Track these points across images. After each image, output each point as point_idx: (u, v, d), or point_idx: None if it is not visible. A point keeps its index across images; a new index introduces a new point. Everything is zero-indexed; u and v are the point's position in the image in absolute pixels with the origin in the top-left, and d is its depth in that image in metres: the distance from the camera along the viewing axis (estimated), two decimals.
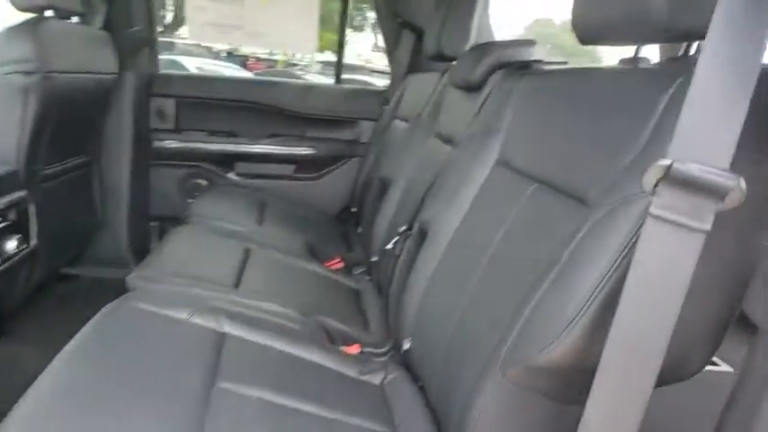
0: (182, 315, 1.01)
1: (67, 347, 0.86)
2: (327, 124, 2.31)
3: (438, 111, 1.58)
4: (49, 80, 1.43)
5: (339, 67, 2.37)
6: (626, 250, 0.59)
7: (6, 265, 1.37)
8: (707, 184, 0.49)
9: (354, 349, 1.16)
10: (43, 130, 1.49)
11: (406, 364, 1.08)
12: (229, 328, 1.02)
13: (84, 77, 1.64)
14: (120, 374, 0.81)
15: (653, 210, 0.51)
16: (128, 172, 2.03)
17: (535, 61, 1.26)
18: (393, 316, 1.21)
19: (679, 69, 0.67)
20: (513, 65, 1.28)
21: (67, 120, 1.63)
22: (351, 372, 1.05)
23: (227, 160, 2.23)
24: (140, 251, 2.13)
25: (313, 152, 2.27)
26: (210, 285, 1.19)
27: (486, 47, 1.39)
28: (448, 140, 1.41)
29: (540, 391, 0.67)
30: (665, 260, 0.51)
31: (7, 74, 1.37)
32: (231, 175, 2.24)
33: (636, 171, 0.63)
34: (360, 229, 1.89)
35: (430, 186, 1.28)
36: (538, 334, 0.65)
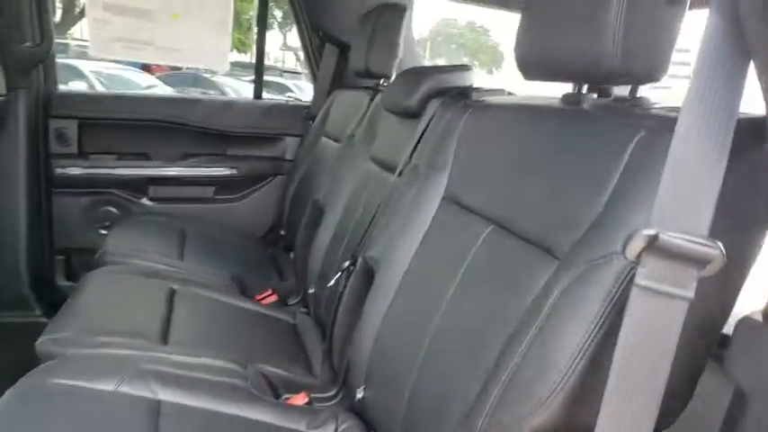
0: (108, 386, 0.90)
1: None
2: (249, 141, 2.20)
3: (373, 134, 1.54)
4: None
5: (259, 82, 2.27)
6: (606, 313, 0.59)
7: None
8: (692, 254, 0.51)
9: (301, 398, 1.09)
10: None
11: (358, 411, 1.04)
12: (164, 394, 0.92)
13: None
14: None
15: (639, 280, 0.52)
16: (25, 202, 1.81)
17: (473, 89, 1.24)
18: (339, 358, 1.16)
19: (638, 120, 0.68)
20: (451, 92, 1.26)
21: None
22: (300, 426, 0.98)
23: (140, 185, 2.06)
24: (44, 289, 1.92)
25: (233, 172, 2.16)
26: (136, 342, 1.07)
27: (421, 72, 1.36)
28: (387, 167, 1.37)
29: None
30: (652, 328, 0.53)
31: None
32: (145, 201, 2.07)
33: (603, 229, 0.64)
34: (292, 255, 1.82)
35: (373, 218, 1.24)
36: (520, 400, 0.63)
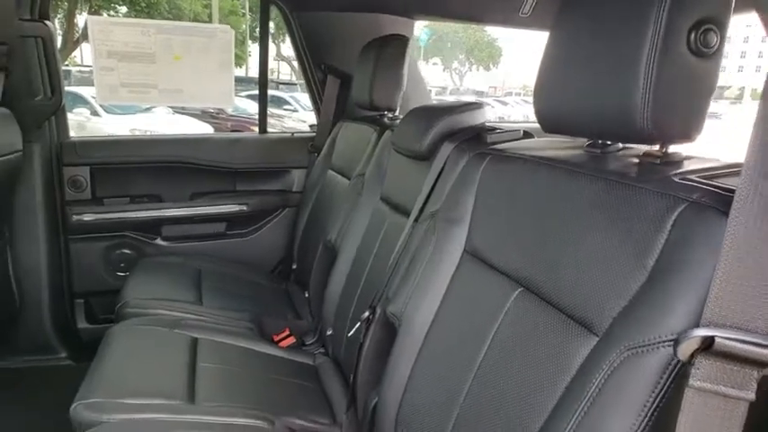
0: None
1: None
2: (257, 176, 2.23)
3: (382, 173, 1.55)
4: None
5: (263, 117, 2.30)
6: (652, 409, 0.56)
7: None
8: (751, 357, 0.49)
9: None
10: None
11: None
12: None
13: None
14: None
15: (693, 382, 0.51)
16: (45, 251, 1.86)
17: (488, 129, 1.22)
18: (363, 410, 1.18)
19: (678, 190, 0.65)
20: (464, 133, 1.24)
21: None
22: None
23: (153, 226, 2.09)
24: (67, 333, 1.96)
25: (243, 207, 2.19)
26: (165, 405, 1.09)
27: (431, 113, 1.33)
28: (399, 210, 1.38)
29: None
30: (709, 430, 0.50)
31: None
32: (159, 241, 2.11)
33: (643, 310, 0.61)
34: (307, 294, 1.84)
35: (390, 266, 1.25)
36: None
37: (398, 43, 1.75)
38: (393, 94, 1.76)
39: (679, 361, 0.54)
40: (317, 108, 2.29)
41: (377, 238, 1.44)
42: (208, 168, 2.12)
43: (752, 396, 0.49)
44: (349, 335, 1.27)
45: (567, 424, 0.63)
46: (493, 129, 1.23)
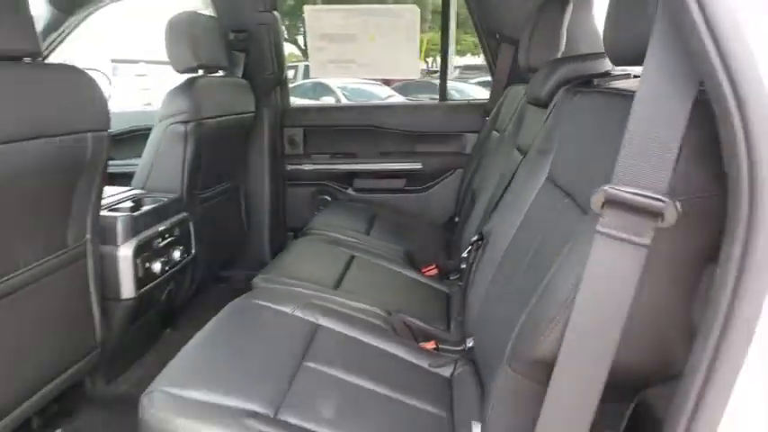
0: (287, 309, 1.28)
1: (200, 333, 1.17)
2: (434, 139, 2.51)
3: (520, 125, 1.69)
4: (201, 126, 1.82)
5: (444, 86, 2.56)
6: None
7: (175, 269, 1.77)
8: (641, 206, 0.57)
9: (430, 345, 1.33)
10: (199, 164, 1.89)
11: (473, 360, 1.23)
12: (323, 321, 1.26)
13: (229, 119, 2.03)
14: (235, 353, 1.09)
15: (599, 227, 0.60)
16: (267, 193, 2.43)
17: (601, 75, 1.27)
18: (465, 317, 1.36)
19: None
20: (579, 79, 1.30)
21: (218, 154, 2.04)
22: (422, 363, 1.22)
23: (347, 178, 2.54)
24: None
25: (420, 166, 2.49)
26: (314, 286, 1.45)
27: (557, 62, 1.45)
28: (524, 154, 1.52)
29: (535, 380, 0.76)
30: (611, 271, 0.60)
31: (171, 124, 1.78)
32: (350, 191, 2.55)
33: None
34: (455, 238, 2.06)
35: (500, 198, 1.42)
36: (529, 333, 0.76)
37: (557, 4, 1.81)
38: (549, 55, 1.83)
39: None
40: (493, 74, 2.45)
41: (506, 182, 1.58)
42: (394, 132, 2.47)
43: (646, 241, 0.58)
44: (462, 256, 1.46)
45: (544, 277, 0.78)
46: (607, 73, 1.28)
